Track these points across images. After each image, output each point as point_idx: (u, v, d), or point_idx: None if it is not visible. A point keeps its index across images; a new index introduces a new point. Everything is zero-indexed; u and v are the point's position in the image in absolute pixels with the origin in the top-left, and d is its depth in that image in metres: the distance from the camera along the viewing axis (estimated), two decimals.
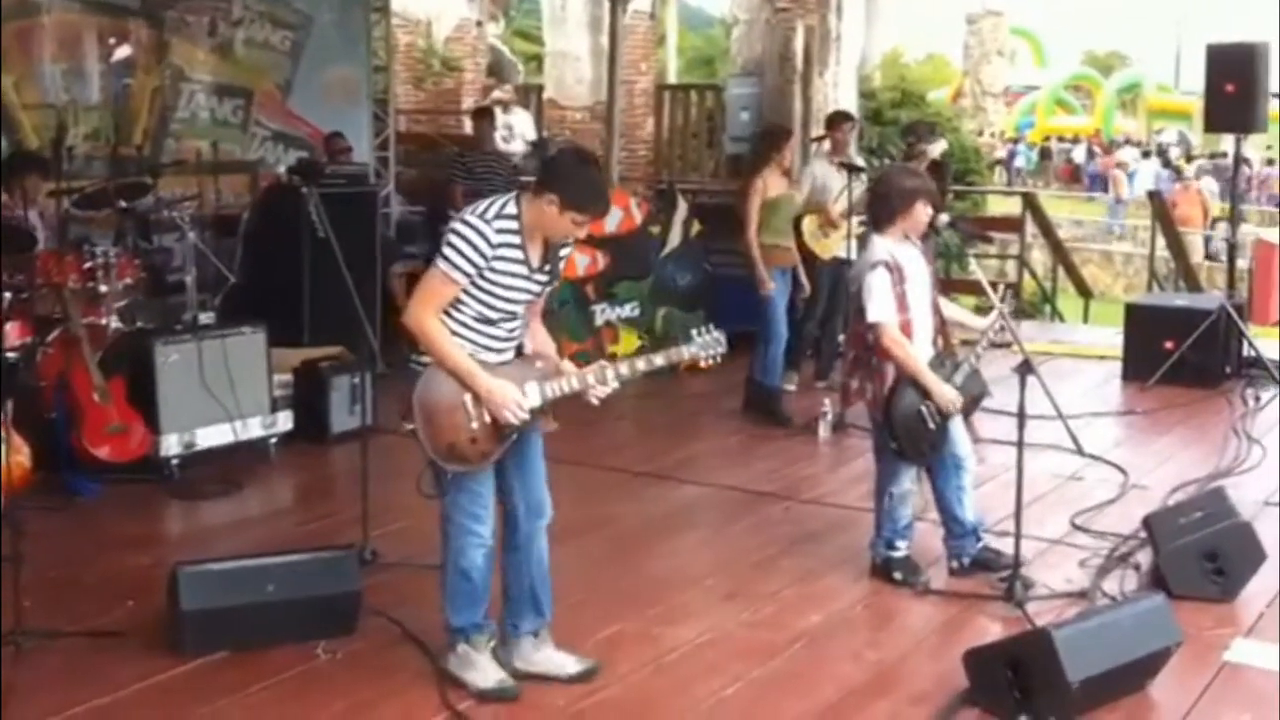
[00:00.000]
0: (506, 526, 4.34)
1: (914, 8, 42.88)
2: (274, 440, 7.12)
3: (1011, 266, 15.10)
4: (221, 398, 6.79)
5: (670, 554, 5.85)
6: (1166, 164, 29.64)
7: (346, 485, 6.13)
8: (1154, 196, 15.84)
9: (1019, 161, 37.47)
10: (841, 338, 8.02)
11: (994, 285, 5.56)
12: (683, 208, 10.24)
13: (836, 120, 9.00)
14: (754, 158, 8.34)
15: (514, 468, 4.27)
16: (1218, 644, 4.75)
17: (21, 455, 5.96)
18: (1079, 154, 38.11)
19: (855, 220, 8.15)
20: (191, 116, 9.83)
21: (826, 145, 8.95)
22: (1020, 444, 5.00)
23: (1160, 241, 14.41)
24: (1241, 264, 12.24)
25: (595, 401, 4.22)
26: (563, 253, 4.26)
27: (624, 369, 4.21)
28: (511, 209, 4.07)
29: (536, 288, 4.18)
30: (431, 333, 4.05)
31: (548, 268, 4.18)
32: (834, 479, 6.94)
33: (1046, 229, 14.93)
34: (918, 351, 5.18)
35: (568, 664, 4.42)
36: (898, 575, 5.33)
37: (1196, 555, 5.15)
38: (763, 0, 12.96)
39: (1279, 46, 9.38)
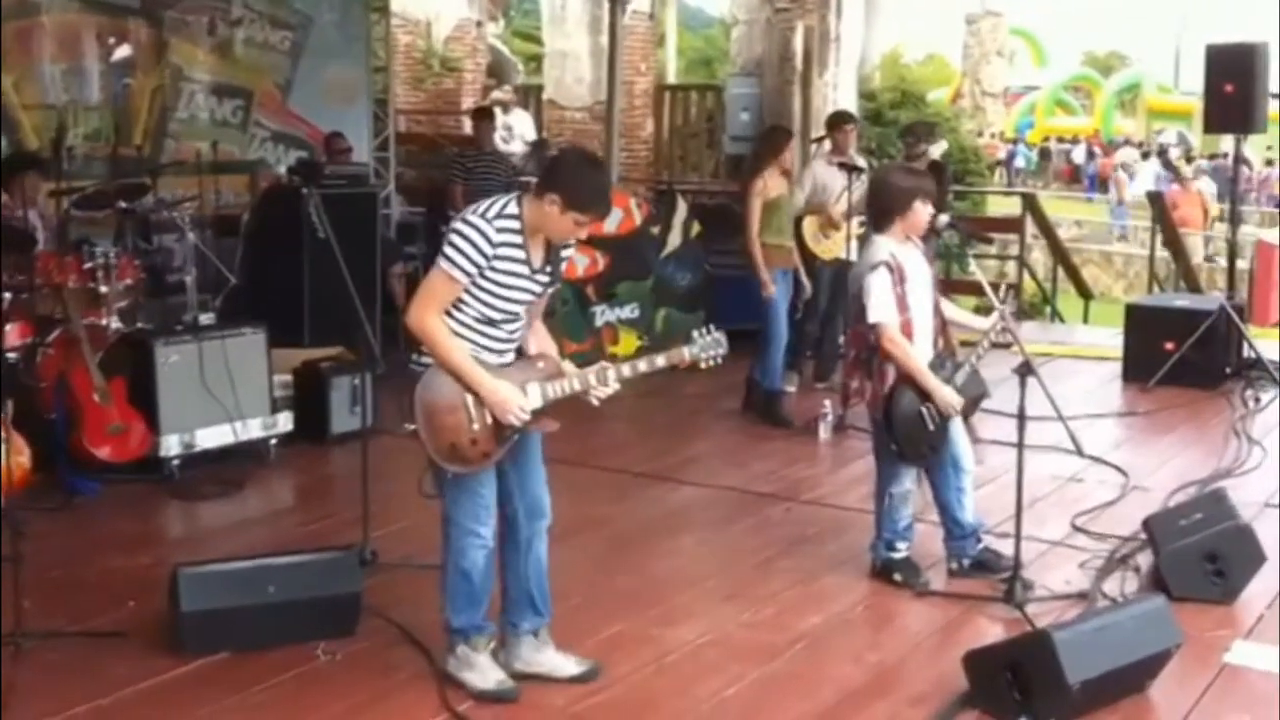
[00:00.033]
0: (506, 528, 4.33)
1: (913, 8, 42.92)
2: (274, 441, 7.12)
3: (1011, 267, 15.09)
4: (222, 398, 6.79)
5: (670, 555, 5.85)
6: (1166, 165, 29.63)
7: (346, 486, 6.13)
8: (1154, 198, 15.83)
9: (1019, 162, 37.47)
10: (842, 339, 8.02)
11: (995, 286, 5.56)
12: (682, 208, 10.25)
13: (837, 121, 9.00)
14: (754, 159, 8.33)
15: (514, 469, 4.27)
16: (1218, 646, 4.75)
17: (22, 456, 5.97)
18: (1079, 155, 38.12)
19: (856, 221, 8.15)
20: (191, 117, 9.84)
21: (827, 146, 8.95)
22: (1020, 445, 4.99)
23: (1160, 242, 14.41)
24: (1242, 265, 12.23)
25: (596, 402, 4.23)
26: (564, 254, 4.26)
27: (625, 370, 4.21)
28: (513, 209, 4.07)
29: (538, 288, 4.17)
30: (433, 333, 4.05)
31: (549, 268, 4.18)
32: (834, 480, 6.94)
33: (1046, 230, 14.94)
34: (918, 352, 5.18)
35: (568, 665, 4.42)
36: (898, 576, 5.33)
37: (1197, 557, 5.15)
38: (762, 1, 12.98)
39: (1278, 47, 9.39)
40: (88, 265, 6.89)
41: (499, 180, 10.31)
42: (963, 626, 4.99)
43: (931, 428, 5.18)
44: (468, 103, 15.77)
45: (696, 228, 10.10)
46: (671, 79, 19.07)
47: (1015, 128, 41.17)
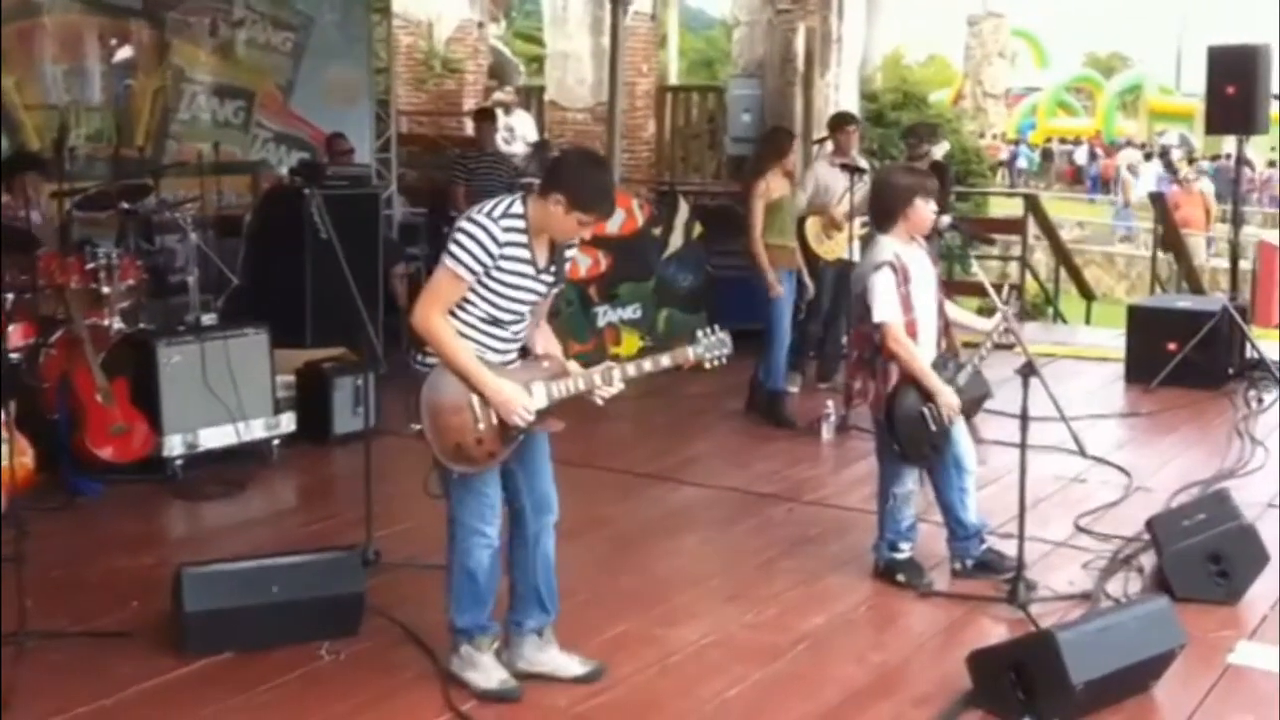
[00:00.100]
0: (514, 524, 4.34)
1: (915, 9, 42.97)
2: (277, 441, 7.12)
3: (1013, 268, 15.10)
4: (224, 399, 6.79)
5: (672, 555, 5.84)
6: (1168, 166, 29.63)
7: (349, 486, 6.14)
8: (1156, 198, 15.84)
9: (1020, 163, 37.47)
10: (845, 339, 8.02)
11: (997, 287, 5.55)
12: (684, 209, 10.25)
13: (839, 122, 8.99)
14: (757, 160, 8.33)
15: (520, 467, 4.27)
16: (1221, 646, 4.75)
17: (25, 456, 5.96)
18: (1081, 155, 38.12)
19: (858, 222, 8.16)
20: (193, 118, 9.84)
21: (829, 147, 8.95)
22: (1023, 446, 4.99)
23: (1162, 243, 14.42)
24: (1244, 266, 12.22)
25: (600, 402, 4.23)
26: (568, 254, 4.27)
27: (630, 369, 4.21)
28: (518, 209, 4.07)
29: (543, 288, 4.18)
30: (438, 332, 4.05)
31: (553, 268, 4.18)
32: (837, 480, 6.94)
33: (1049, 230, 14.94)
34: (922, 353, 5.18)
35: (572, 665, 4.42)
36: (901, 577, 5.32)
37: (1200, 557, 5.15)
38: (764, 2, 12.99)
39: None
40: (90, 266, 6.90)
41: (501, 181, 10.32)
42: (966, 627, 4.99)
43: (933, 428, 5.17)
44: (469, 104, 15.78)
45: (698, 229, 10.10)
46: (673, 80, 19.10)
47: (1017, 129, 41.17)
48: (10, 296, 6.64)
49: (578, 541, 5.34)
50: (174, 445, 6.67)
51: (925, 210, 5.23)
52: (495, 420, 4.09)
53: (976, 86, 35.96)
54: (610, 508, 6.36)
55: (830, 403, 7.79)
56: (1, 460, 5.41)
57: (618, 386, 4.20)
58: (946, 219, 5.48)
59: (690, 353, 4.24)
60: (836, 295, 8.56)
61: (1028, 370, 4.92)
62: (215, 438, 6.82)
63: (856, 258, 7.51)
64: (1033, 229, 13.86)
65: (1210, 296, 12.53)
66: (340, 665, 4.52)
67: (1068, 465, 6.75)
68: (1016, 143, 39.10)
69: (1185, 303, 10.26)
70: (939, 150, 9.02)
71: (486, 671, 4.31)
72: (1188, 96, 38.64)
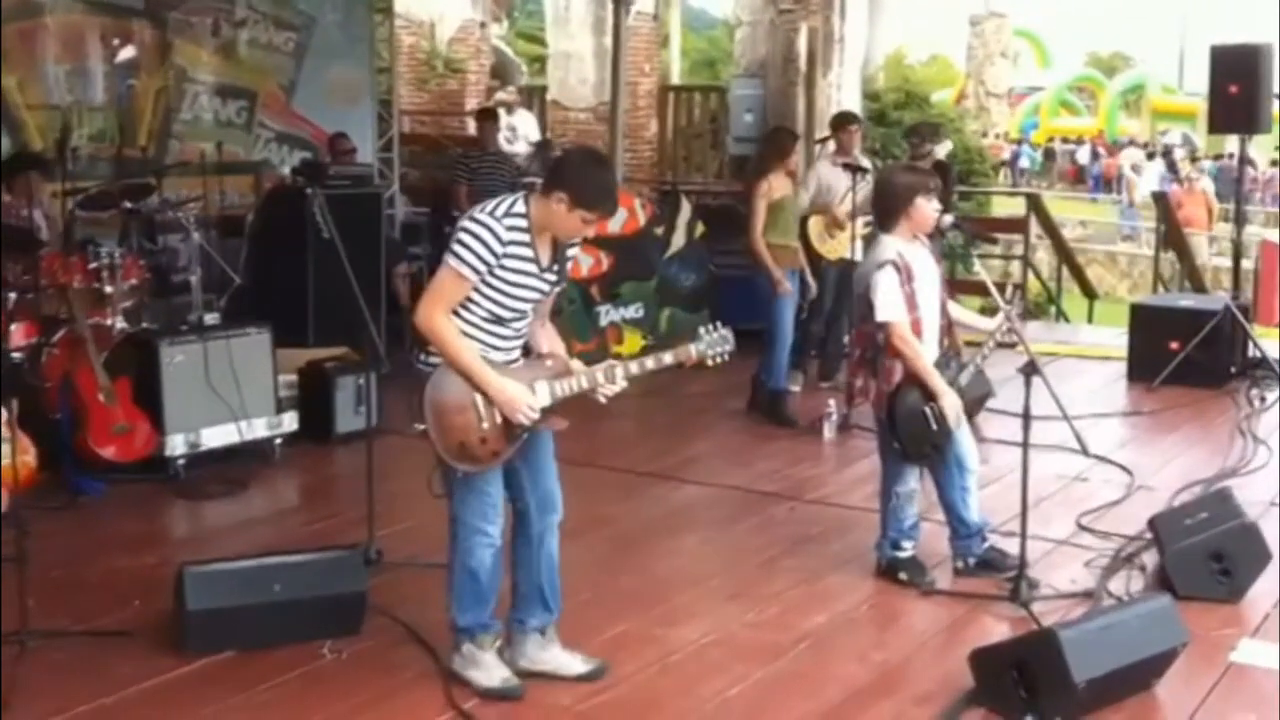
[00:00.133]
0: (518, 523, 4.34)
1: (917, 9, 42.99)
2: (279, 440, 7.12)
3: (1016, 267, 15.10)
4: (227, 398, 6.79)
5: (674, 554, 5.84)
6: (1170, 166, 29.63)
7: (351, 485, 6.14)
8: (1159, 198, 15.84)
9: (1023, 163, 37.44)
10: (847, 338, 8.01)
11: (1000, 286, 5.55)
12: (686, 209, 10.25)
13: (841, 122, 9.00)
14: (759, 160, 8.33)
15: (525, 465, 4.27)
16: (1224, 644, 4.75)
17: (28, 455, 5.95)
18: (1083, 155, 38.09)
19: (860, 221, 8.16)
20: (195, 118, 9.86)
21: (831, 147, 8.95)
22: (1025, 444, 4.99)
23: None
24: (1246, 265, 12.22)
25: (603, 400, 4.23)
26: (570, 253, 4.27)
27: (633, 367, 4.21)
28: (521, 208, 4.08)
29: (546, 287, 4.18)
30: (442, 331, 4.05)
31: (556, 267, 4.19)
32: (838, 479, 6.94)
33: (1051, 230, 14.94)
34: (925, 351, 5.17)
35: (574, 664, 4.42)
36: (903, 575, 5.32)
37: (1202, 556, 5.15)
38: (766, 2, 12.97)
39: None
40: (93, 265, 6.91)
41: (503, 181, 10.32)
42: (968, 625, 4.99)
43: (935, 427, 5.17)
44: (472, 103, 15.78)
45: (700, 228, 10.11)
46: (675, 80, 19.08)
47: (1019, 128, 41.12)
48: (13, 296, 6.65)
49: (579, 540, 5.32)
50: (176, 444, 6.68)
51: (928, 209, 5.22)
52: (499, 419, 4.09)
53: (979, 86, 35.90)
54: (612, 506, 6.35)
55: (832, 402, 7.79)
56: (3, 459, 5.41)
57: (620, 384, 4.20)
58: (949, 218, 5.46)
59: (693, 350, 4.24)
60: (839, 294, 8.56)
61: (1030, 369, 4.92)
62: (217, 437, 6.83)
63: (859, 257, 7.51)
64: (1035, 228, 13.85)
65: (1212, 295, 12.53)
66: (342, 664, 4.52)
67: (1070, 464, 6.74)
68: (1019, 142, 39.05)
69: (1187, 302, 10.25)
70: (941, 150, 9.02)
71: (489, 670, 4.31)
72: (1190, 96, 38.64)
